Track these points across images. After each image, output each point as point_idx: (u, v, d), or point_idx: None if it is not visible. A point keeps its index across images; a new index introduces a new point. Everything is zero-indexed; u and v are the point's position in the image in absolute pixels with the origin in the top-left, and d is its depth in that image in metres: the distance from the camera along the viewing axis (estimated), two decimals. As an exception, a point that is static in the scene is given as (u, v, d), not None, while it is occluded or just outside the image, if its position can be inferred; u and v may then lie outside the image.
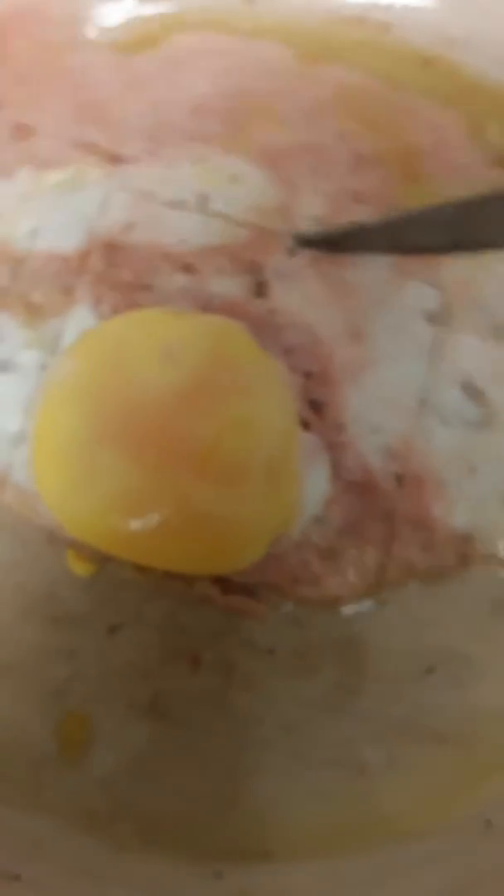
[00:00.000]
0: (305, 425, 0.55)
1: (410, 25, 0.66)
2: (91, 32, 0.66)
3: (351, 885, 0.53)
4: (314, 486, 0.54)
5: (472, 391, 0.57)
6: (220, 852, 0.54)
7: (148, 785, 0.55)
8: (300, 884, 0.53)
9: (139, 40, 0.66)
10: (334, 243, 0.59)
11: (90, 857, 0.54)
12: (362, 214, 0.59)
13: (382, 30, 0.66)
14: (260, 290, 0.58)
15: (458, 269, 0.59)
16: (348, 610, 0.56)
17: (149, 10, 0.67)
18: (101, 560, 0.56)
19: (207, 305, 0.58)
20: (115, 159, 0.61)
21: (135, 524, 0.51)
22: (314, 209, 0.60)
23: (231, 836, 0.54)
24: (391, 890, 0.52)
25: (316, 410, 0.56)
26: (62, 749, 0.56)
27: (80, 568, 0.57)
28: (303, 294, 0.58)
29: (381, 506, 0.55)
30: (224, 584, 0.56)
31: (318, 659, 0.56)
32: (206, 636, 0.57)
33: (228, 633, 0.57)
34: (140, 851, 0.54)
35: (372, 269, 0.59)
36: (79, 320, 0.58)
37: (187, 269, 0.59)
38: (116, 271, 0.59)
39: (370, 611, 0.56)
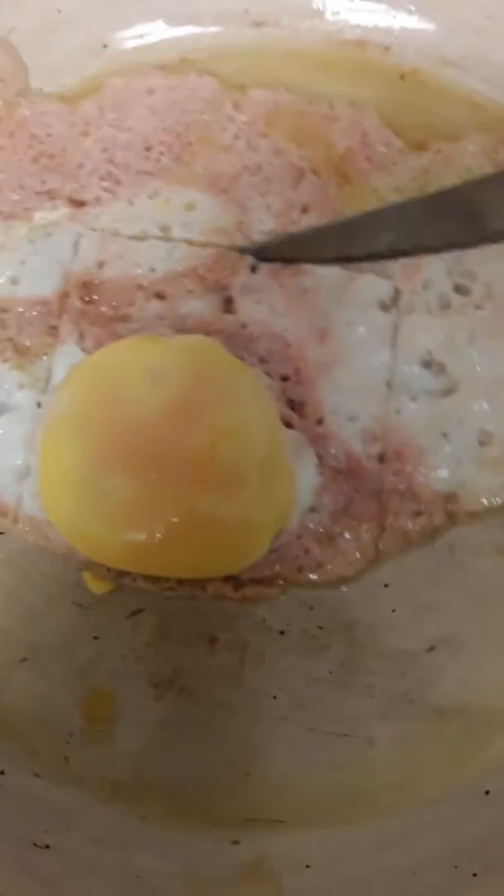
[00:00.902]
0: (288, 424, 0.59)
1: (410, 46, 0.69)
2: (37, 84, 0.69)
3: (360, 849, 0.56)
4: (305, 478, 0.58)
5: (433, 364, 0.61)
6: (236, 820, 0.57)
7: (168, 757, 0.59)
8: (313, 849, 0.56)
9: (83, 87, 0.69)
10: (290, 253, 0.63)
11: (115, 827, 0.57)
12: (311, 223, 0.64)
13: (382, 51, 0.69)
14: (228, 306, 0.63)
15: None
16: (354, 591, 0.60)
17: (89, 59, 0.70)
18: (117, 576, 0.60)
19: (182, 327, 0.62)
20: (77, 203, 0.65)
21: (145, 537, 0.54)
22: (266, 224, 0.64)
23: (247, 805, 0.58)
24: (398, 854, 0.56)
25: (296, 409, 0.60)
26: (88, 724, 0.59)
27: (97, 586, 0.61)
28: (268, 305, 0.62)
29: (369, 485, 0.59)
30: (235, 581, 0.59)
31: (326, 639, 0.60)
32: (221, 619, 0.60)
33: (243, 616, 0.60)
34: (162, 820, 0.58)
35: (325, 274, 0.63)
36: (66, 357, 0.62)
37: (159, 295, 0.63)
38: (95, 307, 0.63)
39: (375, 594, 0.60)
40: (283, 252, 0.63)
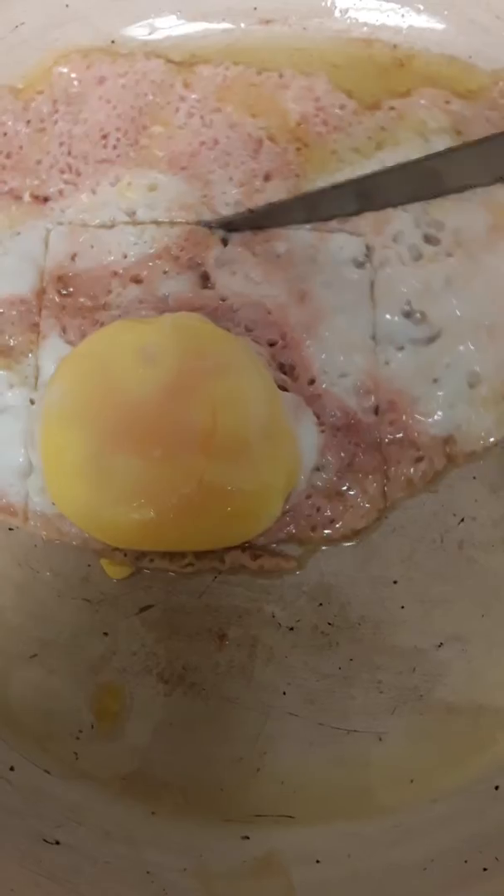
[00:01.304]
0: (283, 388, 0.60)
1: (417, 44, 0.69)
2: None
3: (370, 844, 0.57)
4: (306, 438, 0.59)
5: (414, 314, 0.62)
6: (246, 815, 0.58)
7: (178, 753, 0.59)
8: (322, 844, 0.57)
9: (32, 76, 0.69)
10: (258, 222, 0.64)
11: (125, 822, 0.58)
12: (274, 190, 0.65)
13: (389, 49, 0.69)
14: (205, 282, 0.63)
15: (369, 214, 0.64)
16: (363, 588, 0.60)
17: (33, 47, 0.69)
18: (134, 559, 0.60)
19: (163, 307, 0.62)
20: (40, 199, 0.65)
21: (158, 514, 0.55)
22: (230, 196, 0.65)
23: (256, 800, 0.58)
24: (407, 849, 0.56)
25: (287, 372, 0.61)
26: (98, 720, 0.60)
27: (115, 572, 0.61)
28: (244, 275, 0.63)
29: (368, 438, 0.60)
30: (252, 550, 0.60)
31: (336, 635, 0.60)
32: (231, 614, 0.61)
33: (252, 612, 0.61)
34: (172, 816, 0.58)
35: (297, 238, 0.64)
36: (51, 351, 0.62)
37: (136, 279, 0.63)
38: (73, 299, 0.63)
39: (384, 591, 0.60)
40: (250, 222, 0.64)
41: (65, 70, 0.68)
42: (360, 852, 0.56)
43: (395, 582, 0.61)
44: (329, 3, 0.70)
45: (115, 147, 0.66)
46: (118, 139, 0.66)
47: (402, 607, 0.60)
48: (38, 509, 0.61)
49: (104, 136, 0.66)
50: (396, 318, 0.62)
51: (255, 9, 0.70)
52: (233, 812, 0.58)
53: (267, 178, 0.65)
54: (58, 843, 0.56)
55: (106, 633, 0.61)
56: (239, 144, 0.66)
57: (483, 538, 0.61)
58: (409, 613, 0.60)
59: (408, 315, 0.62)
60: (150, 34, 0.70)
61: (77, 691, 0.60)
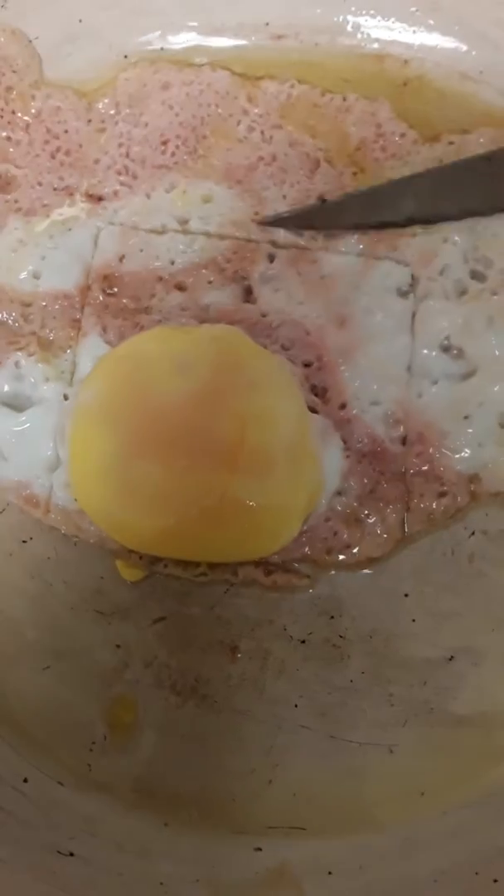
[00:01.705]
0: (313, 410, 0.60)
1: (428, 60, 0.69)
2: (52, 76, 0.69)
3: (381, 856, 0.57)
4: (331, 462, 0.60)
5: (451, 349, 0.62)
6: (258, 827, 0.58)
7: (191, 765, 0.59)
8: (334, 856, 0.57)
9: (98, 80, 0.69)
10: (305, 221, 0.64)
11: (138, 834, 0.58)
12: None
13: (401, 64, 0.69)
14: (248, 296, 0.64)
15: (417, 243, 0.64)
16: (375, 601, 0.61)
17: (105, 51, 0.70)
18: (149, 564, 0.61)
19: (204, 317, 0.63)
20: (95, 198, 0.66)
21: (177, 523, 0.55)
22: (282, 215, 0.65)
23: (269, 812, 0.58)
24: (419, 861, 0.56)
25: (319, 395, 0.61)
26: (111, 732, 0.60)
27: (130, 574, 0.62)
28: (287, 293, 0.63)
29: (393, 467, 0.60)
30: (266, 566, 0.60)
31: (347, 648, 0.61)
32: (243, 627, 0.61)
33: (264, 625, 0.61)
34: (184, 827, 0.58)
35: (343, 261, 0.64)
36: (90, 349, 0.63)
37: (180, 286, 0.64)
38: (116, 300, 0.64)
39: (395, 604, 0.61)
40: (302, 221, 0.65)
41: (131, 76, 0.68)
42: (371, 864, 0.57)
43: (406, 595, 0.61)
44: (340, 19, 0.70)
45: (173, 154, 0.67)
46: (177, 146, 0.67)
47: (414, 620, 0.61)
48: (60, 504, 0.61)
49: (164, 142, 0.67)
50: (434, 352, 0.62)
51: (267, 24, 0.70)
52: (245, 824, 0.58)
53: (320, 198, 0.65)
54: (71, 854, 0.56)
55: (119, 646, 0.61)
56: (296, 163, 0.66)
57: (494, 552, 0.61)
58: (420, 626, 0.61)
59: (445, 349, 0.62)
60: (162, 50, 0.70)
61: (90, 703, 0.61)
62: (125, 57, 0.70)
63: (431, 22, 0.69)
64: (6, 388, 0.62)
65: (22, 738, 0.60)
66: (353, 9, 0.70)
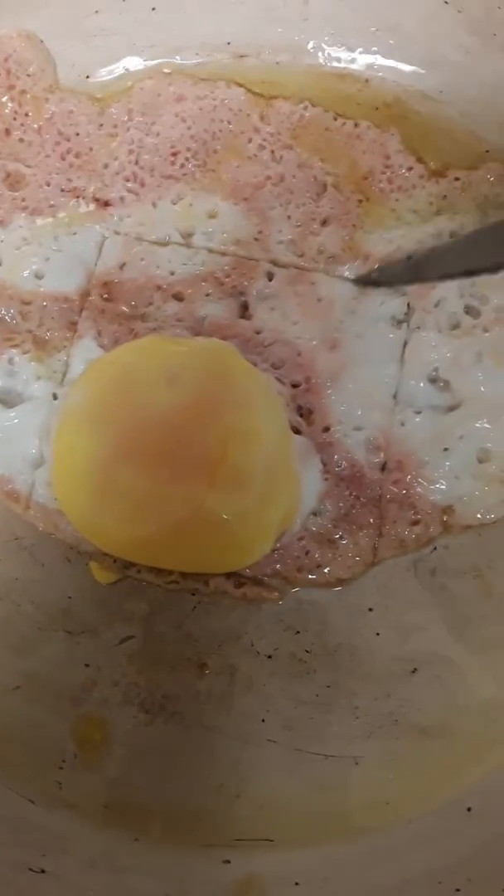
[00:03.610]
0: (296, 430, 0.61)
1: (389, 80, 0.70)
2: (67, 82, 0.70)
3: (347, 867, 0.58)
4: (309, 483, 0.61)
5: (438, 381, 0.63)
6: (227, 840, 0.59)
7: (160, 781, 0.60)
8: (302, 867, 0.58)
9: (114, 90, 0.70)
10: (394, 277, 0.64)
11: (109, 850, 0.58)
12: (328, 236, 0.66)
13: (361, 84, 0.70)
14: (244, 311, 0.65)
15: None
16: (339, 616, 0.62)
17: (131, 63, 0.71)
18: (122, 568, 0.62)
19: (199, 328, 0.64)
20: (101, 203, 0.67)
21: (153, 531, 0.56)
22: (285, 234, 0.66)
23: (237, 825, 0.59)
24: (385, 871, 0.57)
25: (304, 416, 0.62)
26: (80, 750, 0.61)
27: (103, 576, 0.63)
28: (282, 313, 0.64)
29: (370, 493, 0.61)
30: (237, 578, 0.61)
31: (313, 663, 0.62)
32: (210, 644, 0.62)
33: (231, 641, 0.62)
34: (155, 842, 0.59)
35: (341, 285, 0.65)
36: (83, 352, 0.64)
37: (178, 297, 0.65)
38: (114, 305, 0.65)
39: (359, 618, 0.62)
40: (391, 277, 0.64)
41: (146, 85, 0.69)
42: (337, 874, 0.57)
43: (370, 609, 0.62)
44: (300, 38, 0.71)
45: (182, 165, 0.67)
46: (187, 158, 0.67)
47: (378, 634, 0.62)
48: (41, 501, 0.62)
49: (174, 153, 0.68)
50: (421, 383, 0.63)
51: (229, 44, 0.71)
52: (214, 837, 0.59)
53: (324, 223, 0.66)
54: (43, 871, 0.56)
55: (87, 665, 0.62)
56: (303, 185, 0.67)
57: (454, 566, 0.62)
58: (383, 640, 0.62)
59: (433, 381, 0.63)
60: (126, 70, 0.71)
61: (60, 722, 0.61)
62: (87, 77, 0.71)
63: (391, 42, 0.70)
64: (-2, 382, 0.63)
65: None
66: (313, 28, 0.71)
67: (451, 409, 0.63)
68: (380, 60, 0.70)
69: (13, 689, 0.61)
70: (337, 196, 0.67)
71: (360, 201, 0.67)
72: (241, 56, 0.71)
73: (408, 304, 0.65)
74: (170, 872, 0.58)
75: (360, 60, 0.70)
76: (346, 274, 0.65)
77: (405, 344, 0.64)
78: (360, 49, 0.71)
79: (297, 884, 0.57)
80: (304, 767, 0.60)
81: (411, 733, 0.60)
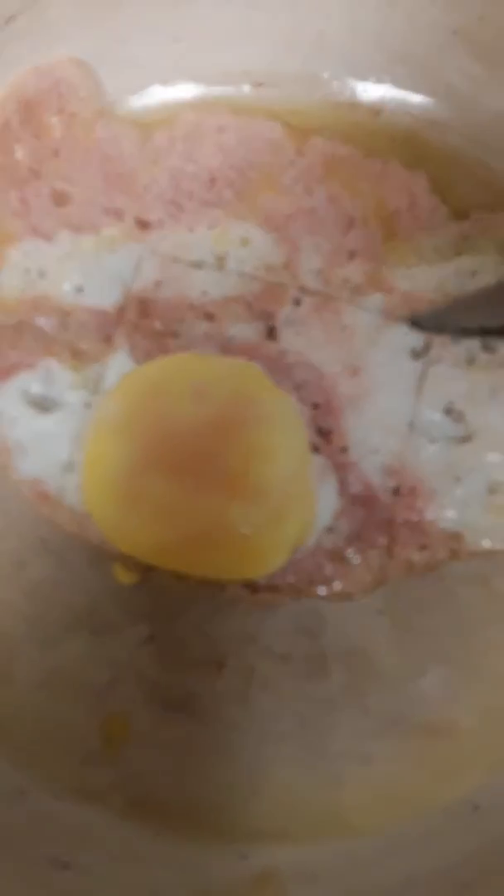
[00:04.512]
0: (315, 449, 0.64)
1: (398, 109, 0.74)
2: (116, 108, 0.74)
3: (361, 861, 0.60)
4: (325, 501, 0.63)
5: (453, 413, 0.66)
6: (245, 835, 0.61)
7: (180, 776, 0.62)
8: (316, 861, 0.60)
9: (158, 117, 0.73)
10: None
11: (131, 844, 0.60)
12: (354, 268, 0.69)
13: (372, 114, 0.74)
14: (271, 334, 0.67)
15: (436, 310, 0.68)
16: (353, 619, 0.64)
17: (167, 92, 0.75)
18: (145, 570, 0.64)
19: (227, 348, 0.67)
20: (141, 224, 0.70)
21: (176, 537, 0.60)
22: (314, 264, 0.69)
23: (254, 820, 0.61)
24: (395, 865, 0.59)
25: (323, 436, 0.65)
26: (105, 746, 0.63)
27: (126, 577, 0.65)
28: (307, 337, 0.67)
29: (382, 515, 0.64)
30: (252, 586, 0.64)
31: (327, 664, 0.64)
32: (229, 645, 0.64)
33: (249, 642, 0.64)
34: (175, 836, 0.61)
35: (364, 315, 0.68)
36: (118, 364, 0.66)
37: (209, 317, 0.68)
38: (149, 322, 0.68)
39: (371, 621, 0.64)
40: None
41: (189, 116, 0.73)
42: (353, 869, 0.59)
43: (381, 613, 0.64)
44: (316, 68, 0.73)
45: (220, 193, 0.70)
46: (225, 186, 0.71)
47: (388, 637, 0.64)
48: (69, 504, 0.65)
49: (212, 181, 0.71)
50: (437, 414, 0.66)
51: (247, 72, 0.74)
52: (232, 832, 0.61)
53: (351, 256, 0.69)
54: (67, 865, 0.58)
55: (111, 663, 0.64)
56: (333, 219, 0.70)
57: (462, 572, 0.65)
58: (393, 643, 0.64)
59: (448, 413, 0.66)
60: (141, 97, 0.75)
61: (84, 718, 0.63)
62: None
63: (402, 71, 0.73)
64: (35, 389, 0.66)
65: (18, 752, 0.62)
66: (327, 58, 0.73)
67: (465, 440, 0.65)
68: (391, 91, 0.73)
69: (39, 686, 0.63)
70: (364, 231, 0.70)
71: (386, 237, 0.70)
72: (259, 84, 0.74)
73: (426, 340, 0.67)
74: (189, 866, 0.59)
75: (372, 90, 0.73)
76: (366, 306, 0.68)
77: (422, 376, 0.66)
78: (373, 79, 0.73)
79: (314, 878, 0.59)
80: (318, 764, 0.62)
81: (420, 732, 0.62)
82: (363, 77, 0.74)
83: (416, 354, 0.67)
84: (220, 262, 0.69)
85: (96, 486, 0.62)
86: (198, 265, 0.69)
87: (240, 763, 0.62)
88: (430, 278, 0.69)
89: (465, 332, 0.66)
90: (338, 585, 0.63)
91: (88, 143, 0.72)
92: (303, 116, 0.73)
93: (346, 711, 0.63)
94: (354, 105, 0.74)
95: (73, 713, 0.63)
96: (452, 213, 0.71)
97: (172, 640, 0.64)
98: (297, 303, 0.68)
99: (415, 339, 0.67)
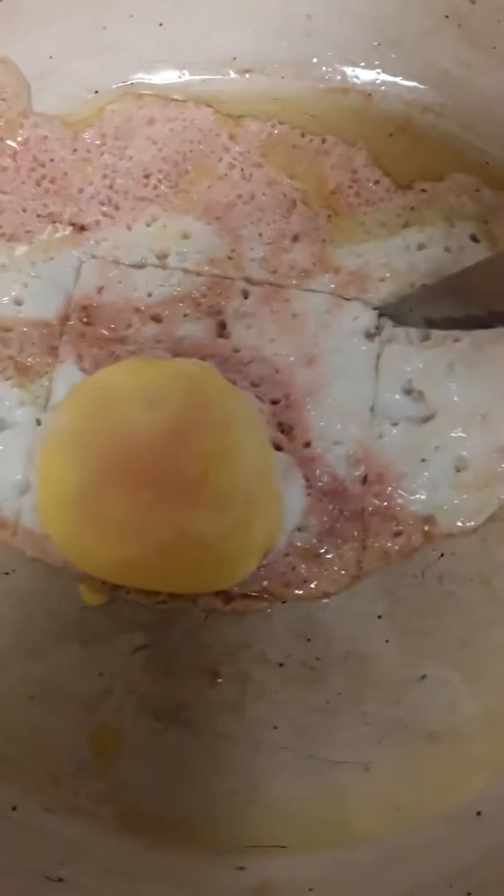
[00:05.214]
0: (278, 447, 0.62)
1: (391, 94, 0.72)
2: (40, 107, 0.71)
3: (360, 872, 0.58)
4: (292, 499, 0.62)
5: (413, 392, 0.65)
6: (241, 847, 0.59)
7: (174, 788, 0.61)
8: (315, 872, 0.58)
9: (85, 112, 0.71)
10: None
11: (124, 857, 0.59)
12: (299, 252, 0.67)
13: (364, 98, 0.72)
14: (222, 330, 0.66)
15: (385, 287, 0.67)
16: (349, 624, 0.63)
17: (92, 85, 0.72)
18: (111, 589, 0.63)
19: (178, 349, 0.65)
20: (77, 227, 0.68)
21: (138, 554, 0.57)
22: (257, 252, 0.67)
23: (250, 831, 0.60)
24: (396, 875, 0.58)
25: (285, 432, 0.63)
26: (96, 758, 0.61)
27: (92, 598, 0.63)
28: (259, 330, 0.65)
29: (352, 506, 0.63)
30: (225, 595, 0.62)
31: (324, 670, 0.63)
32: (222, 652, 0.63)
33: (243, 649, 0.63)
34: (169, 849, 0.59)
35: (314, 300, 0.66)
36: (65, 376, 0.64)
37: (156, 319, 0.66)
38: (93, 329, 0.66)
39: (369, 626, 0.63)
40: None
41: (117, 108, 0.70)
42: (351, 879, 0.58)
43: (379, 617, 0.63)
44: (305, 54, 0.72)
45: (155, 187, 0.68)
46: (159, 180, 0.69)
47: (387, 641, 0.63)
48: (28, 526, 0.63)
49: (146, 176, 0.69)
50: (396, 395, 0.64)
51: (234, 59, 0.72)
52: (227, 844, 0.59)
53: (295, 239, 0.68)
54: (60, 879, 0.57)
55: (101, 673, 0.62)
56: (274, 203, 0.68)
57: (461, 572, 0.64)
58: (393, 647, 0.63)
59: (407, 393, 0.65)
60: (131, 84, 0.72)
61: (75, 730, 0.62)
62: (96, 92, 0.72)
63: (393, 56, 0.72)
64: (-18, 409, 0.64)
65: (9, 766, 0.61)
66: (317, 44, 0.72)
67: (427, 419, 0.64)
68: (382, 75, 0.72)
69: (29, 699, 0.62)
70: (306, 212, 0.68)
71: (329, 216, 0.68)
72: (246, 71, 0.72)
73: (378, 318, 0.66)
74: (185, 879, 0.59)
75: (363, 76, 0.72)
76: (314, 288, 0.67)
77: (378, 357, 0.65)
78: (363, 64, 0.72)
79: (311, 889, 0.58)
80: (316, 773, 0.61)
81: (420, 739, 0.61)
82: (353, 62, 0.72)
83: (370, 335, 0.66)
84: (163, 260, 0.67)
85: (52, 506, 0.60)
86: (140, 265, 0.67)
87: (235, 773, 0.61)
88: (377, 254, 0.68)
89: (431, 323, 0.64)
90: (314, 585, 0.62)
91: (16, 145, 0.70)
92: (292, 103, 0.72)
93: (345, 718, 0.62)
94: (345, 90, 0.72)
95: (63, 725, 0.62)
96: (395, 185, 0.69)
97: (165, 648, 0.63)
98: (245, 295, 0.67)
99: (367, 319, 0.66)
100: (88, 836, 0.60)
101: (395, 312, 0.66)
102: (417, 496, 0.63)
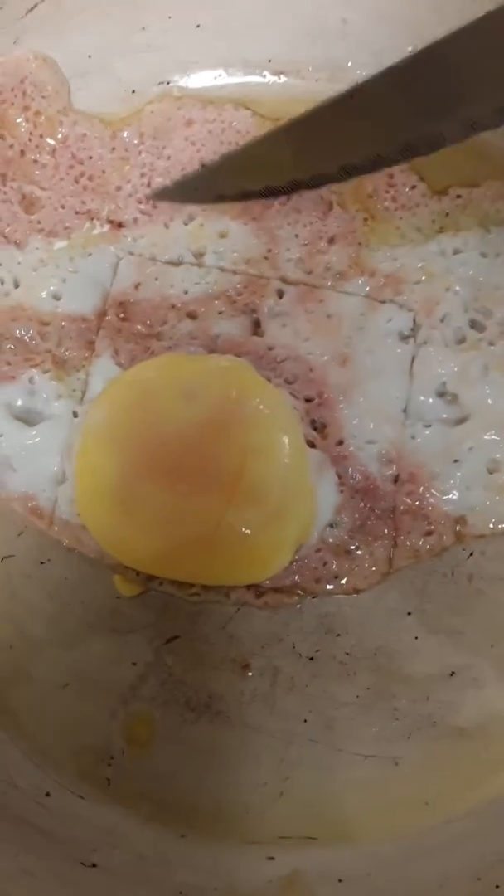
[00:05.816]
0: (311, 444, 0.63)
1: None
2: (80, 105, 0.72)
3: (389, 864, 0.59)
4: (325, 496, 0.62)
5: (447, 394, 0.65)
6: (271, 837, 0.60)
7: (205, 777, 0.61)
8: (344, 864, 0.59)
9: (123, 111, 0.72)
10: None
11: (158, 845, 0.60)
12: (335, 254, 0.68)
13: None
14: (256, 328, 0.66)
15: (421, 290, 0.67)
16: (379, 620, 0.63)
17: (130, 85, 0.73)
18: (145, 581, 0.63)
19: (212, 346, 0.66)
20: (115, 224, 0.69)
21: (173, 546, 0.58)
22: (293, 253, 0.68)
23: (281, 823, 0.60)
24: (424, 867, 0.59)
25: (318, 430, 0.64)
26: (128, 747, 0.62)
27: (126, 589, 0.64)
28: (293, 329, 0.66)
29: (384, 505, 0.63)
30: (257, 589, 0.63)
31: (354, 665, 0.63)
32: (253, 645, 0.63)
33: (273, 643, 0.63)
34: (201, 838, 0.60)
35: (349, 301, 0.67)
36: (102, 370, 0.65)
37: (192, 315, 0.67)
38: (130, 325, 0.66)
39: (398, 622, 0.63)
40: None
41: (156, 109, 0.71)
42: (380, 871, 0.59)
43: (409, 613, 0.63)
44: (340, 56, 0.72)
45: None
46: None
47: (416, 638, 0.63)
48: (64, 517, 0.64)
49: (183, 175, 0.69)
50: (430, 397, 0.65)
51: (270, 61, 0.73)
52: (258, 834, 0.60)
53: (331, 241, 0.68)
54: (94, 865, 0.58)
55: (134, 663, 0.63)
56: (310, 204, 0.69)
57: (491, 571, 0.64)
58: (422, 644, 0.63)
59: (441, 395, 0.65)
60: (167, 84, 0.73)
61: (108, 719, 0.62)
62: (133, 92, 0.72)
63: None
64: (19, 402, 0.65)
65: (43, 753, 0.62)
66: (351, 47, 0.72)
67: (460, 421, 0.64)
68: None
69: (63, 686, 0.63)
70: (343, 214, 0.69)
71: (365, 219, 0.69)
72: (281, 73, 0.73)
73: (414, 320, 0.66)
74: (216, 867, 0.59)
75: None
76: (349, 290, 0.67)
77: (413, 359, 0.65)
78: None
79: (340, 880, 0.58)
80: (346, 767, 0.61)
81: (449, 735, 0.62)
82: (386, 64, 0.71)
83: (404, 337, 0.66)
84: (199, 259, 0.68)
85: (89, 497, 0.61)
86: (176, 263, 0.68)
87: (266, 765, 0.62)
88: (413, 258, 0.68)
89: (222, 198, 0.65)
90: (345, 581, 0.63)
91: (55, 142, 0.70)
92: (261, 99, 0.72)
93: (374, 713, 0.62)
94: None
95: (96, 713, 0.63)
96: (431, 190, 0.70)
97: (196, 640, 0.64)
98: (280, 295, 0.67)
99: (402, 321, 0.66)
100: (121, 823, 0.61)
101: (178, 192, 0.67)
102: (449, 496, 0.63)
